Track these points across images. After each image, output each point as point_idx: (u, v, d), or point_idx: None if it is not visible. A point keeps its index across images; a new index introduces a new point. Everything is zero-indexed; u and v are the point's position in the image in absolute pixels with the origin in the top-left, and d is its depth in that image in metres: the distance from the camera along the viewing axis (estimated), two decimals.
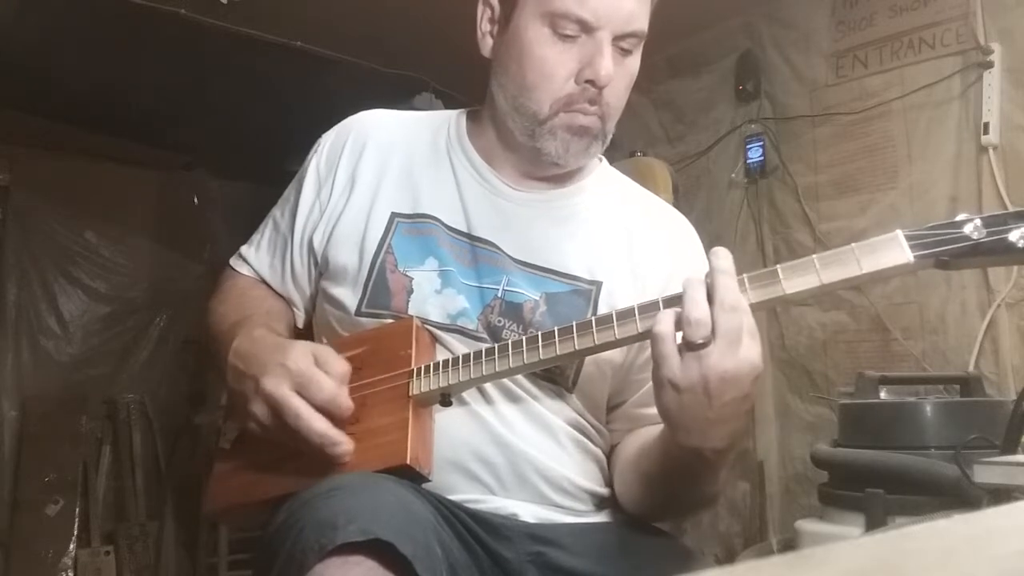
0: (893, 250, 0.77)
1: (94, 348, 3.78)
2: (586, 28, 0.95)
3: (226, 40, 2.78)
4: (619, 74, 0.98)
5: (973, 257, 0.75)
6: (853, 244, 0.78)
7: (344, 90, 2.71)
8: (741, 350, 0.77)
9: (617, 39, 0.96)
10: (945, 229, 0.76)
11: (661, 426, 0.90)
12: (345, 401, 0.89)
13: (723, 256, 0.80)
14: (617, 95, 0.99)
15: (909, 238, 0.76)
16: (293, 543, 0.75)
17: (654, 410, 0.87)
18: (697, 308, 0.77)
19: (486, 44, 1.05)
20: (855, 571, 0.35)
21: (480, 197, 1.05)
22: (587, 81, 0.96)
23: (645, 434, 1.00)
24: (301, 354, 0.90)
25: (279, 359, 0.90)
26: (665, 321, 0.78)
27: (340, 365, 0.91)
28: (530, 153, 1.02)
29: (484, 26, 1.05)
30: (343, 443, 0.89)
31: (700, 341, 0.76)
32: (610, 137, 1.03)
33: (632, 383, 1.03)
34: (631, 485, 1.00)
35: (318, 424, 0.88)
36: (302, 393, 0.88)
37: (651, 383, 0.85)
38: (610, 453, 1.06)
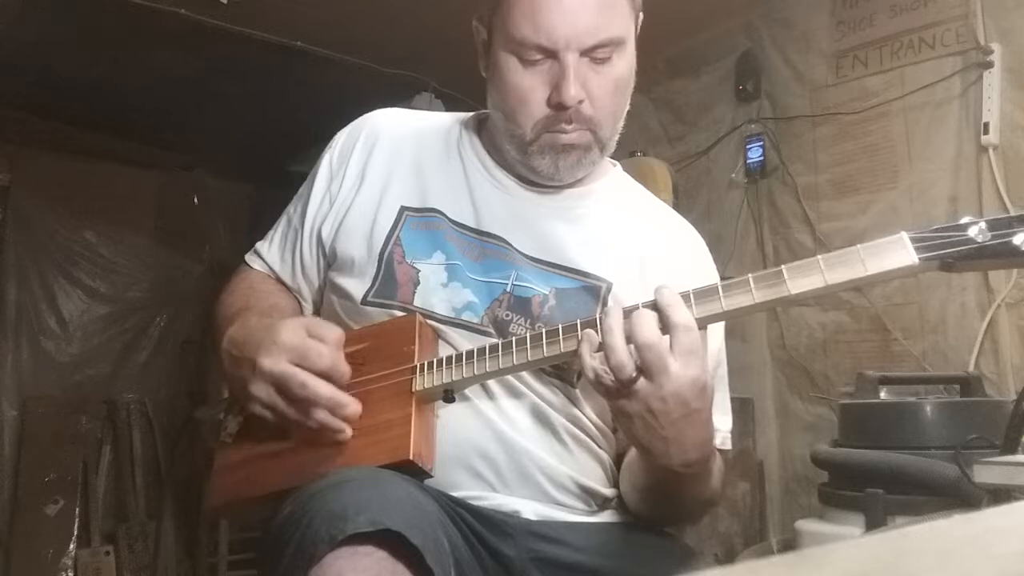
0: (898, 252, 0.77)
1: (94, 348, 3.77)
2: (547, 52, 0.95)
3: (226, 40, 2.78)
4: (599, 83, 0.97)
5: (978, 260, 0.76)
6: (858, 245, 0.78)
7: (344, 90, 2.71)
8: (673, 373, 0.79)
9: (585, 53, 0.95)
10: (950, 232, 0.76)
11: None
12: (344, 366, 0.90)
13: (669, 287, 0.82)
14: (602, 106, 0.99)
15: (914, 240, 0.76)
16: (303, 534, 0.75)
17: None
18: (615, 354, 0.79)
19: (481, 66, 1.07)
20: (855, 571, 0.35)
21: (490, 193, 1.06)
22: (557, 104, 0.96)
23: None
24: (292, 329, 0.91)
25: (272, 338, 0.91)
26: (593, 366, 0.82)
27: (333, 332, 0.92)
28: (526, 170, 1.04)
29: (479, 49, 1.07)
30: (351, 404, 0.90)
31: (630, 378, 0.79)
32: (612, 142, 1.04)
33: None
34: (628, 494, 1.02)
35: (325, 389, 0.89)
36: (302, 364, 0.89)
37: None
38: (619, 458, 1.07)
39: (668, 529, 1.06)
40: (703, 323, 0.82)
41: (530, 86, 0.97)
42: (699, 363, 0.81)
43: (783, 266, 0.80)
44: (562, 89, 0.94)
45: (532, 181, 1.07)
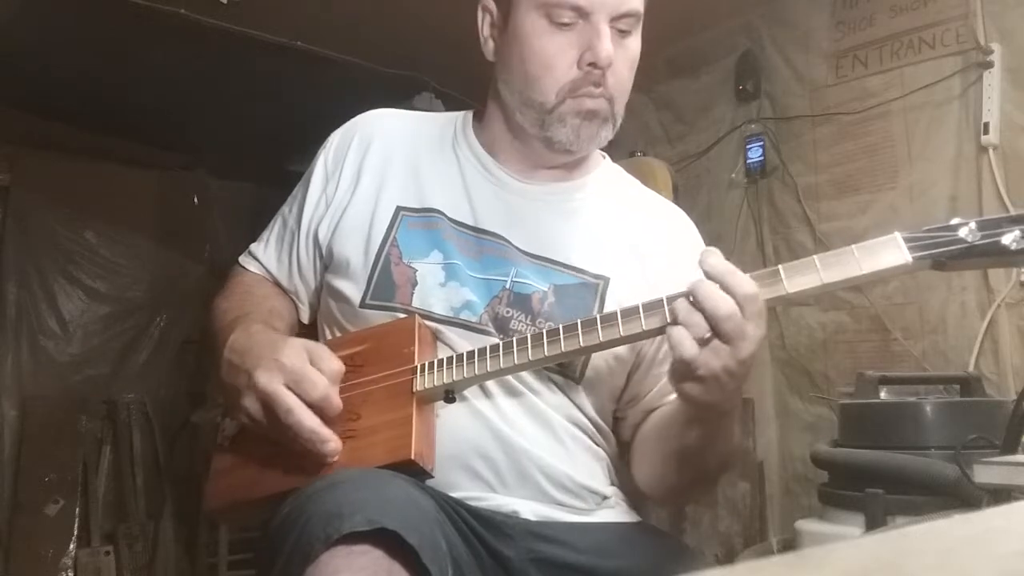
0: (892, 251, 0.79)
1: (94, 348, 3.77)
2: (581, 13, 0.97)
3: (226, 40, 2.78)
4: (620, 56, 0.99)
5: (968, 259, 0.78)
6: (853, 245, 0.80)
7: (344, 90, 2.70)
8: (749, 335, 0.80)
9: (614, 20, 0.97)
10: (941, 232, 0.78)
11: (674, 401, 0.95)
12: (336, 400, 0.90)
13: (716, 254, 0.82)
14: (620, 77, 1.01)
15: (907, 240, 0.79)
16: (299, 534, 0.75)
17: (671, 397, 0.96)
18: (724, 305, 0.79)
19: (488, 48, 1.07)
20: (855, 571, 0.35)
21: (486, 190, 1.07)
22: (589, 64, 0.97)
23: (661, 413, 1.03)
24: (295, 351, 0.91)
25: (273, 355, 0.90)
26: (684, 341, 0.80)
27: (334, 364, 0.92)
28: (542, 143, 1.04)
29: (485, 31, 1.07)
30: (332, 441, 0.89)
31: (731, 332, 0.79)
32: (620, 120, 1.05)
33: (651, 376, 1.05)
34: (658, 460, 1.01)
35: (309, 421, 0.88)
36: (295, 390, 0.89)
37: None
38: (631, 443, 1.08)
39: (687, 499, 1.08)
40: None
41: (558, 49, 0.98)
42: (764, 323, 0.82)
43: (780, 266, 0.82)
44: (597, 48, 0.96)
45: (530, 170, 1.07)
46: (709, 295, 0.79)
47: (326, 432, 0.89)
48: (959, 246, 0.77)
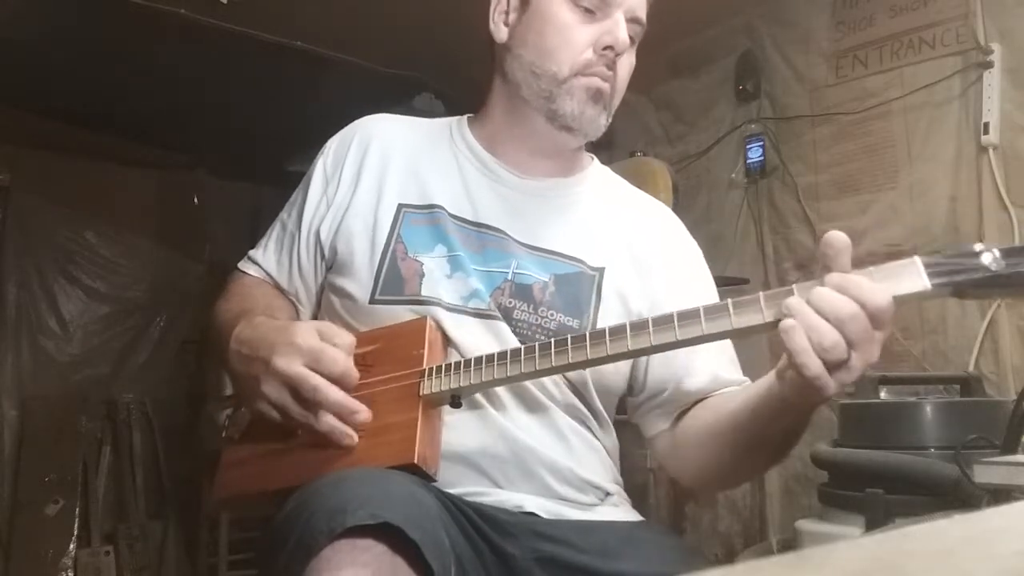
0: (911, 277, 0.75)
1: (94, 348, 3.77)
2: (604, 5, 1.02)
3: (226, 40, 2.78)
4: (623, 62, 1.04)
5: (990, 288, 0.74)
6: (871, 268, 0.77)
7: (344, 90, 2.71)
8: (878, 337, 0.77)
9: (628, 22, 1.02)
10: (963, 258, 0.74)
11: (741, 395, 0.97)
12: (355, 372, 0.92)
13: (839, 242, 0.78)
14: (622, 76, 1.06)
15: (927, 265, 0.75)
16: (303, 528, 0.75)
17: (694, 382, 1.00)
18: (846, 306, 0.75)
19: (500, 31, 1.09)
20: (855, 571, 0.35)
21: (484, 186, 1.09)
22: (605, 48, 1.01)
23: (739, 402, 0.98)
24: (307, 331, 0.92)
25: (287, 339, 0.92)
26: (815, 367, 0.75)
27: (347, 337, 0.93)
28: (545, 117, 1.05)
29: (498, 16, 1.10)
30: (361, 411, 0.91)
31: (857, 335, 0.75)
32: (609, 119, 1.07)
33: (669, 366, 1.05)
34: (736, 449, 0.99)
35: (336, 394, 0.90)
36: (316, 368, 0.90)
37: (685, 358, 1.00)
38: (671, 434, 1.08)
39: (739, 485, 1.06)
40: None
41: (579, 28, 1.03)
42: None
43: (793, 285, 0.79)
44: (616, 32, 1.01)
45: (528, 164, 1.09)
46: (826, 297, 0.75)
47: (354, 403, 0.91)
48: (982, 275, 0.73)
